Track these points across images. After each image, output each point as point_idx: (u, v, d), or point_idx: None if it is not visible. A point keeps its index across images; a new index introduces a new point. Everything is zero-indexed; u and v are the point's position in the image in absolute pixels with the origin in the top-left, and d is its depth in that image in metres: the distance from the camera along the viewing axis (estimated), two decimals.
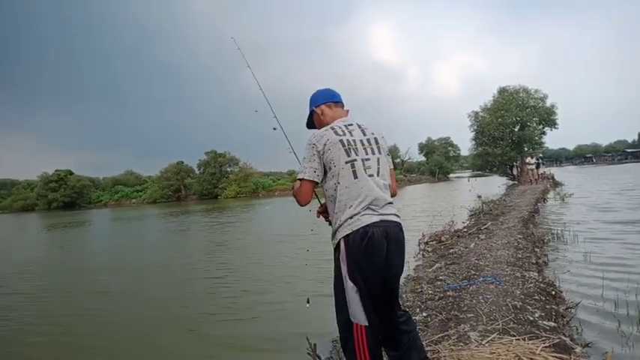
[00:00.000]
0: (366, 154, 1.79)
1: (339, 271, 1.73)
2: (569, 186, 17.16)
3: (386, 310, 1.78)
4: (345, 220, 1.70)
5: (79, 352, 4.02)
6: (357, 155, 1.76)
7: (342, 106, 2.00)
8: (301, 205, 1.84)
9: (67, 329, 4.63)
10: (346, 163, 1.74)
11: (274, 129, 2.32)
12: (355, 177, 1.73)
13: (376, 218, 1.71)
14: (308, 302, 2.52)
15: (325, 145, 1.75)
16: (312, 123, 2.06)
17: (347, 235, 1.69)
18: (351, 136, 1.80)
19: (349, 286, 1.68)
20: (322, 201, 2.00)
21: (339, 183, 1.73)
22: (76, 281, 7.21)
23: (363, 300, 1.67)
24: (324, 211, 1.93)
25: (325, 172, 1.79)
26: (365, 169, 1.76)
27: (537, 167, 20.55)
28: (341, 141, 1.76)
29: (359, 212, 1.70)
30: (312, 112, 2.02)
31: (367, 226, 1.68)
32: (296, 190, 1.81)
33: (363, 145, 1.81)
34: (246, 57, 2.61)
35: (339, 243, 1.72)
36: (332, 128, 1.81)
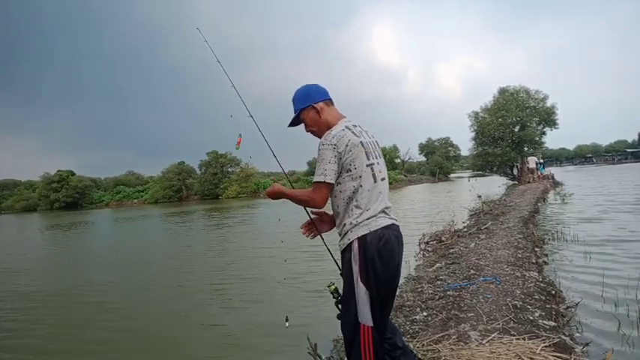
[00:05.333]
0: (375, 157, 1.79)
1: (349, 272, 1.71)
2: (568, 185, 17.16)
3: (389, 311, 1.81)
4: (363, 221, 1.70)
5: None
6: (373, 159, 1.76)
7: (334, 103, 1.92)
8: (319, 208, 1.78)
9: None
10: (367, 166, 1.72)
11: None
12: (375, 181, 1.74)
13: (389, 221, 1.74)
14: (287, 321, 2.44)
15: (347, 146, 1.69)
16: (297, 121, 1.93)
17: (364, 236, 1.68)
18: (364, 138, 1.78)
19: (360, 287, 1.67)
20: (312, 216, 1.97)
21: (361, 186, 1.71)
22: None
23: (372, 301, 1.67)
24: (310, 225, 1.95)
25: (339, 173, 1.74)
26: (379, 172, 1.77)
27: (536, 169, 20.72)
28: (361, 143, 1.73)
29: (376, 215, 1.71)
30: (304, 110, 1.87)
31: (384, 228, 1.70)
32: (313, 194, 1.73)
33: (372, 147, 1.80)
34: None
35: (350, 243, 1.71)
36: (348, 128, 1.75)
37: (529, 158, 21.40)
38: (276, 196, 1.88)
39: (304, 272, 6.13)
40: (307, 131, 1.91)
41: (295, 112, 1.90)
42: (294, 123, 1.95)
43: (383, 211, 1.74)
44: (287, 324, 2.42)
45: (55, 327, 4.78)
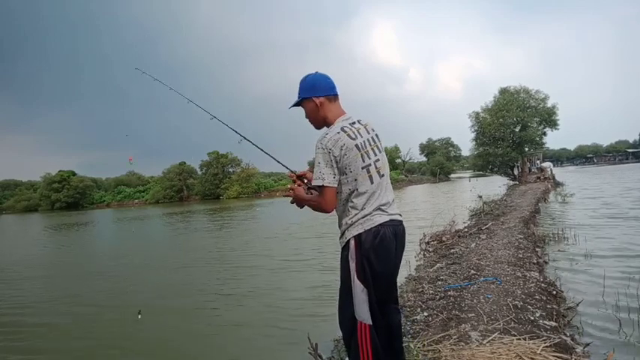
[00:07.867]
0: (375, 154, 1.79)
1: (346, 269, 1.74)
2: (569, 186, 17.15)
3: (388, 307, 1.81)
4: (357, 220, 1.72)
5: None
6: (369, 159, 1.76)
7: (338, 98, 1.90)
8: (327, 212, 1.79)
9: None
10: (362, 168, 1.73)
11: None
12: (371, 182, 1.74)
13: (386, 218, 1.75)
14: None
15: (342, 149, 1.70)
16: (298, 106, 1.92)
17: (359, 234, 1.71)
18: (361, 137, 1.77)
19: (357, 284, 1.69)
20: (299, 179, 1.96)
21: (357, 189, 1.72)
22: None
23: (369, 298, 1.69)
24: (299, 180, 1.94)
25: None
26: (377, 171, 1.77)
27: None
28: (357, 146, 1.73)
29: (370, 213, 1.73)
30: (305, 99, 1.86)
31: (379, 225, 1.72)
32: (319, 198, 1.75)
33: (370, 144, 1.79)
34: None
35: (348, 241, 1.74)
36: (343, 130, 1.74)
37: (544, 164, 22.36)
38: (298, 201, 1.87)
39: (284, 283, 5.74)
40: (306, 118, 1.92)
41: (298, 97, 1.90)
42: (297, 105, 1.94)
43: (379, 208, 1.74)
44: None
45: None
